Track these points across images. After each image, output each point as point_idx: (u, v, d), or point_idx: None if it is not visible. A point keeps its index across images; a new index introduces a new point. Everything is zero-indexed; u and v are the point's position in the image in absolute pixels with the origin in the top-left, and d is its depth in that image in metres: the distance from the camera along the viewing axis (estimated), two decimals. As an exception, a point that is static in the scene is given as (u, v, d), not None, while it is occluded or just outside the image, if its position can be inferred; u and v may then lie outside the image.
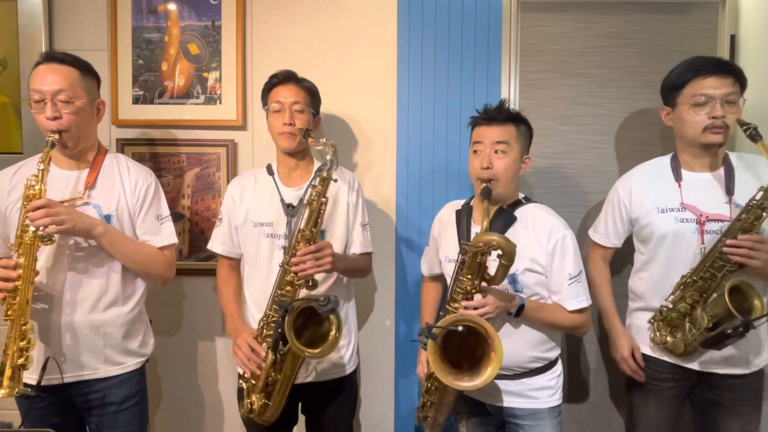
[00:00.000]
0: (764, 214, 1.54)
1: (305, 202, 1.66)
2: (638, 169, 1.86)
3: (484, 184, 1.60)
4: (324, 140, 1.67)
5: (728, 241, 1.56)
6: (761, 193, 1.54)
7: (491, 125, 1.65)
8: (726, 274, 1.59)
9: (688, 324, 1.64)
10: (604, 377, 2.23)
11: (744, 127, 1.59)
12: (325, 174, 1.61)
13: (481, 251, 1.46)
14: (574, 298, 1.60)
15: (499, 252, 1.43)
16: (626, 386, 1.92)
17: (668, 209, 1.71)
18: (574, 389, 2.27)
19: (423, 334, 1.43)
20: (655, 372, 1.78)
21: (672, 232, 1.69)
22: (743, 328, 1.51)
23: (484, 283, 1.53)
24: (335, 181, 1.66)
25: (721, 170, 1.70)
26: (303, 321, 1.61)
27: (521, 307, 1.55)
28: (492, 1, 2.18)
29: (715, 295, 1.61)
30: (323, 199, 1.62)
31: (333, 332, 1.57)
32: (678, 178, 1.73)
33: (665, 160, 1.80)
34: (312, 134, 1.72)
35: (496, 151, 1.62)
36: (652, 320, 1.75)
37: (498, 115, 1.65)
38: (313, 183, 1.65)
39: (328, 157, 1.62)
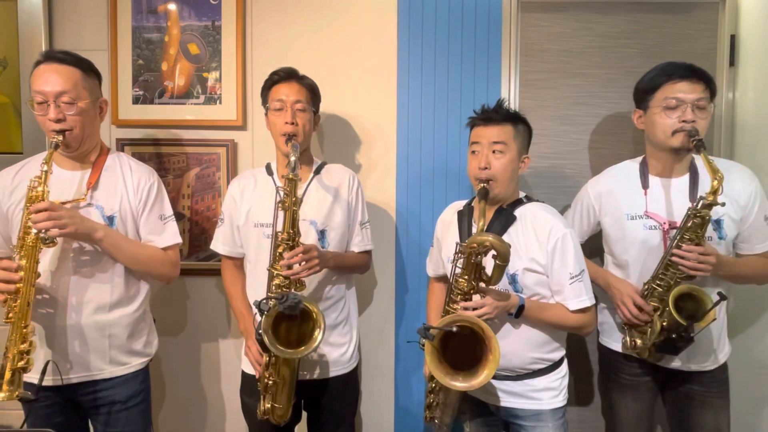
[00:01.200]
0: (706, 219, 1.56)
1: (278, 206, 1.65)
2: (608, 174, 1.88)
3: (482, 185, 1.60)
4: (289, 143, 1.68)
5: (674, 251, 1.60)
6: (701, 201, 1.57)
7: (488, 125, 1.64)
8: (678, 281, 1.62)
9: (649, 330, 1.68)
10: (603, 376, 2.24)
11: (690, 138, 1.62)
12: (291, 175, 1.61)
13: (476, 252, 1.47)
14: (575, 297, 1.59)
15: (494, 252, 1.44)
16: (601, 383, 1.95)
17: (637, 216, 1.73)
18: (576, 389, 2.28)
19: (420, 334, 1.44)
20: (630, 367, 1.82)
21: (641, 239, 1.72)
22: (684, 333, 1.56)
23: (482, 284, 1.53)
24: (300, 179, 1.66)
25: (687, 176, 1.72)
26: (290, 320, 1.61)
27: (521, 308, 1.55)
28: (492, 1, 2.18)
29: None
30: (294, 199, 1.61)
31: (315, 331, 1.57)
32: (645, 185, 1.75)
33: (634, 165, 1.82)
34: (295, 139, 1.71)
35: (494, 152, 1.62)
36: (624, 326, 1.78)
37: (495, 115, 1.65)
38: (280, 186, 1.66)
39: (292, 158, 1.62)
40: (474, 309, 1.50)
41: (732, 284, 1.80)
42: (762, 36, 2.05)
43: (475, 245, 1.45)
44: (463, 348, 1.50)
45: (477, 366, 1.45)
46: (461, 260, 1.53)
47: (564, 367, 1.70)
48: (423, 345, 1.45)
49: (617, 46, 2.20)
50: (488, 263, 1.50)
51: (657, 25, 2.19)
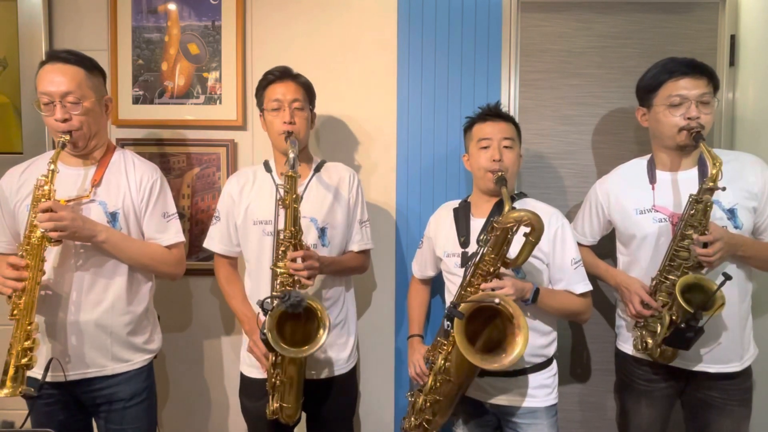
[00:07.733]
0: (708, 205, 1.56)
1: (278, 203, 1.65)
2: (616, 172, 1.88)
3: (500, 173, 1.64)
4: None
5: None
6: (702, 187, 1.57)
7: (497, 121, 1.72)
8: (685, 271, 1.62)
9: (659, 326, 1.65)
10: (604, 377, 2.24)
11: (689, 130, 1.64)
12: (290, 172, 1.61)
13: (511, 227, 1.48)
14: (581, 281, 1.68)
15: (527, 230, 1.45)
16: (617, 388, 1.93)
17: (645, 210, 1.73)
18: (574, 389, 2.28)
19: (450, 313, 1.43)
20: (645, 373, 1.79)
21: (651, 233, 1.71)
22: (693, 321, 1.55)
23: (502, 269, 1.55)
24: (299, 176, 1.66)
25: (696, 169, 1.72)
26: (295, 319, 1.61)
27: (536, 293, 1.58)
28: (492, 1, 2.18)
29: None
30: (294, 196, 1.61)
31: (320, 330, 1.57)
32: (652, 180, 1.75)
33: (642, 162, 1.82)
34: (294, 136, 1.71)
35: (504, 147, 1.69)
36: (635, 326, 1.75)
37: (501, 112, 1.76)
38: (279, 183, 1.66)
39: (291, 155, 1.62)
40: (493, 290, 1.50)
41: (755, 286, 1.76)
42: (762, 36, 2.05)
43: (512, 220, 1.46)
44: (480, 332, 1.53)
45: (503, 346, 1.46)
46: (490, 238, 1.53)
47: (554, 366, 1.74)
48: (449, 326, 1.43)
49: (617, 46, 2.20)
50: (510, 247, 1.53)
51: (657, 25, 2.19)
